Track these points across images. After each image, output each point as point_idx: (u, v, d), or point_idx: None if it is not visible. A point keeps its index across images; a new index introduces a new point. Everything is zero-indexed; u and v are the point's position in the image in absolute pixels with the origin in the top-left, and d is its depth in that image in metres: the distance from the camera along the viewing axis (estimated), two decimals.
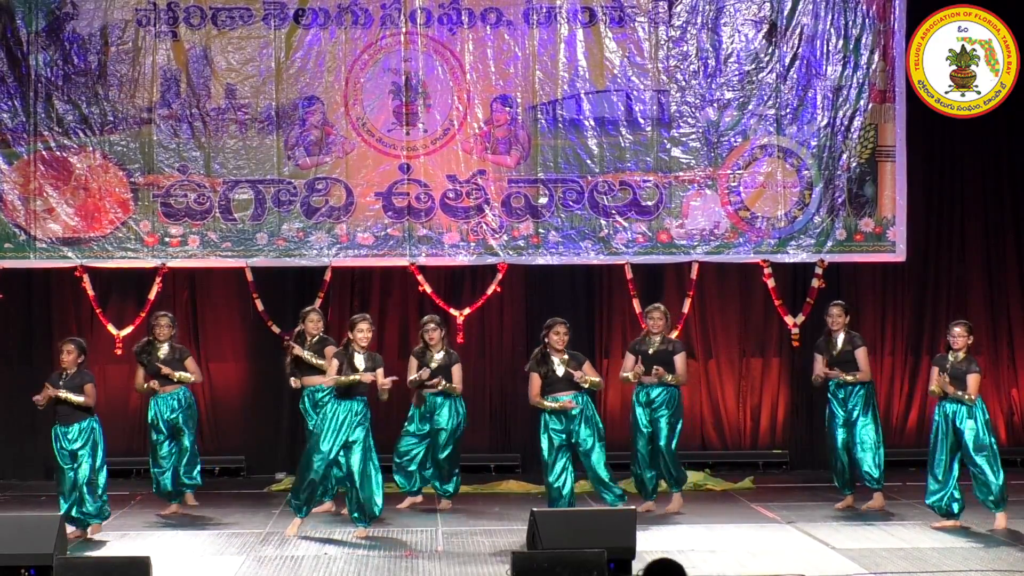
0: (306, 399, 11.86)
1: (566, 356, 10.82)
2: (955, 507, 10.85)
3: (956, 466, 10.84)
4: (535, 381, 10.83)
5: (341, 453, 10.62)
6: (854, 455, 11.66)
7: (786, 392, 14.23)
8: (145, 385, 11.75)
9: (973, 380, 10.77)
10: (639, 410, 11.65)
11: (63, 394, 10.63)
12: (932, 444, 10.90)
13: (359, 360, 10.66)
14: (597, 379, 11.03)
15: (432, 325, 11.89)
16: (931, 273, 14.27)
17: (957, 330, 10.93)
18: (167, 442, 11.70)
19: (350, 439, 10.60)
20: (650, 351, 11.65)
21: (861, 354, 11.74)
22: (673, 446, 11.62)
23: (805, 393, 13.88)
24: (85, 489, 10.62)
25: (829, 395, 11.80)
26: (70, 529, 10.49)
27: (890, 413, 14.06)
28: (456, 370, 11.84)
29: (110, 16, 13.43)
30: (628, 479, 11.80)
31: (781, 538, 10.60)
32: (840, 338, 11.77)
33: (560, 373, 10.78)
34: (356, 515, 10.73)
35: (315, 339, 11.88)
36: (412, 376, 11.72)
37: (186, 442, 11.73)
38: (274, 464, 13.79)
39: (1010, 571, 9.22)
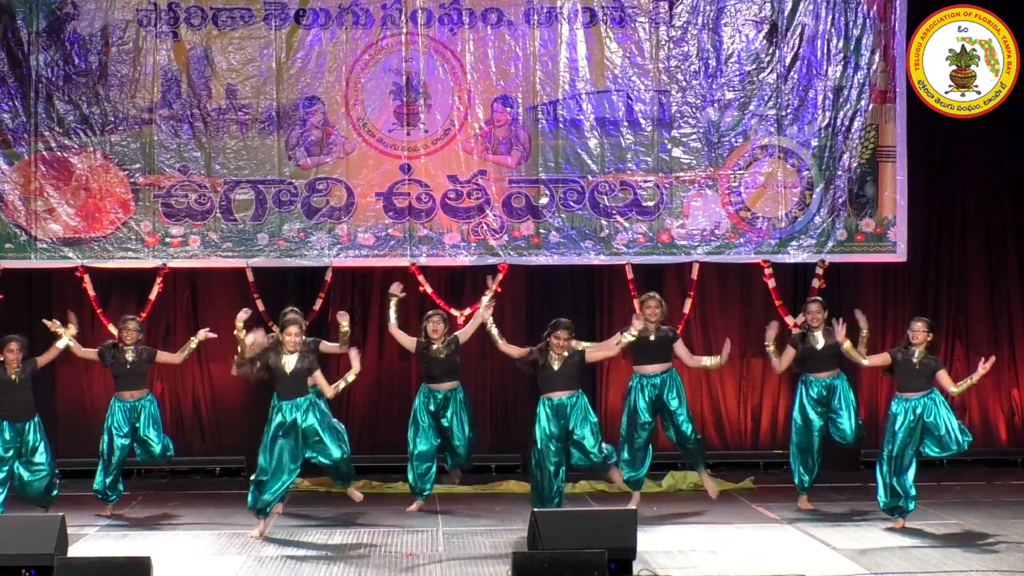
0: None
1: (565, 354, 10.86)
2: (911, 504, 10.88)
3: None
4: (520, 352, 11.12)
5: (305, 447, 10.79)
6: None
7: (787, 392, 14.19)
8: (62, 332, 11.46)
9: (945, 375, 10.81)
10: (640, 400, 11.59)
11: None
12: (895, 440, 10.85)
13: (289, 361, 10.72)
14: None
15: (437, 318, 11.92)
16: (932, 273, 14.26)
17: (919, 325, 10.88)
18: (123, 447, 11.64)
19: (306, 430, 10.65)
20: (651, 338, 11.60)
21: (849, 347, 11.61)
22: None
23: None
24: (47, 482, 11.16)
25: (808, 393, 11.80)
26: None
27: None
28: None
29: (111, 16, 13.44)
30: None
31: (781, 538, 10.60)
32: (820, 334, 11.70)
33: (555, 368, 10.84)
34: (345, 481, 11.39)
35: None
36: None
37: (155, 449, 11.73)
38: None
39: (1011, 571, 9.22)
